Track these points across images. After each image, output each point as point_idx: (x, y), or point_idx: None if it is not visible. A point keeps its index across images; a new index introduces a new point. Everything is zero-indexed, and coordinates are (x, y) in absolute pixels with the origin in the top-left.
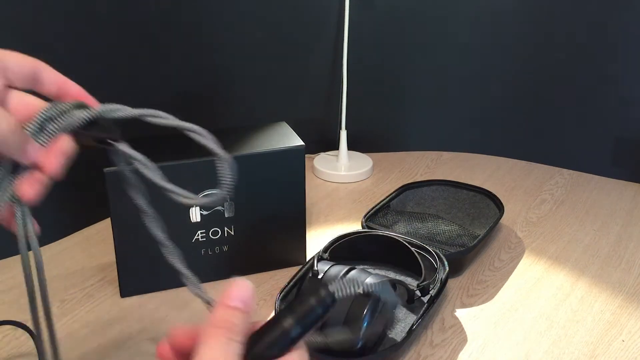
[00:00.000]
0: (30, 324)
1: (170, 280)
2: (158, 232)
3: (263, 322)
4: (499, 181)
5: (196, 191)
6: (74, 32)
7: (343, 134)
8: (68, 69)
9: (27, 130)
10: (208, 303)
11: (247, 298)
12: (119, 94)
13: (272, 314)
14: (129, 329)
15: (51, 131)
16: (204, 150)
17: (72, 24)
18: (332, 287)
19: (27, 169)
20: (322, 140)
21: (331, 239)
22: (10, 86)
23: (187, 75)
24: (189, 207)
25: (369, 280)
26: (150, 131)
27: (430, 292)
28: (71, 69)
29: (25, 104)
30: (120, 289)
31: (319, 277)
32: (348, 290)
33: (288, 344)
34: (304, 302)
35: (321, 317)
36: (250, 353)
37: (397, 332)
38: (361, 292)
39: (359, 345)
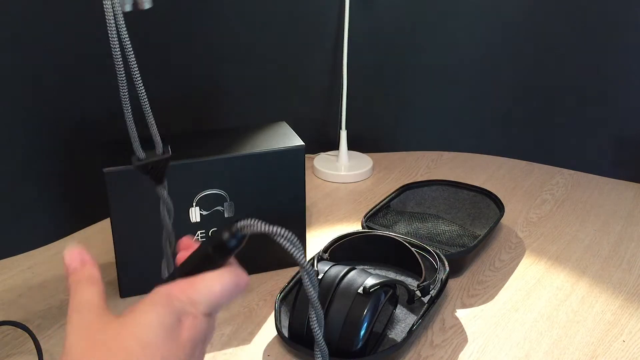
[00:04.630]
0: (29, 324)
1: (169, 281)
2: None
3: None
4: (499, 181)
5: (196, 191)
6: (74, 31)
7: (343, 134)
8: (69, 68)
9: None
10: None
11: (77, 257)
12: (118, 93)
13: (272, 314)
14: None
15: None
16: (203, 150)
17: (71, 23)
18: (240, 224)
19: None
20: (322, 140)
21: (331, 239)
22: None
23: (187, 75)
24: None
25: (369, 280)
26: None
27: (431, 293)
28: (71, 68)
29: None
30: (119, 289)
31: (319, 277)
32: (255, 229)
33: (204, 268)
34: (219, 237)
35: (236, 248)
36: (179, 273)
37: (398, 333)
38: (266, 231)
39: (360, 345)
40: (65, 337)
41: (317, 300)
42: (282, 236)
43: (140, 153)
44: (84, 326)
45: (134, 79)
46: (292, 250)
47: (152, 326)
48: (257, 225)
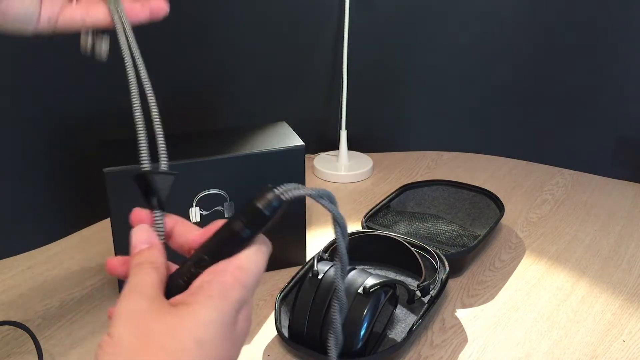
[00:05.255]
0: (29, 324)
1: None
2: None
3: (214, 227)
4: (499, 181)
5: (196, 191)
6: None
7: (343, 134)
8: (69, 68)
9: None
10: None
11: (146, 238)
12: (118, 93)
13: (273, 314)
14: None
15: None
16: (203, 150)
17: None
18: (277, 191)
19: None
20: (322, 140)
21: (331, 239)
22: None
23: (187, 75)
24: None
25: (369, 280)
26: (150, 131)
27: (431, 293)
28: (72, 68)
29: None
30: (119, 289)
31: (319, 277)
32: (293, 193)
33: (240, 245)
34: (253, 206)
35: (270, 218)
36: (207, 253)
37: (398, 333)
38: (305, 194)
39: (360, 345)
40: (113, 322)
41: (345, 253)
42: (324, 197)
43: (146, 163)
44: (134, 311)
45: (144, 87)
46: (333, 211)
47: (212, 323)
48: (298, 190)
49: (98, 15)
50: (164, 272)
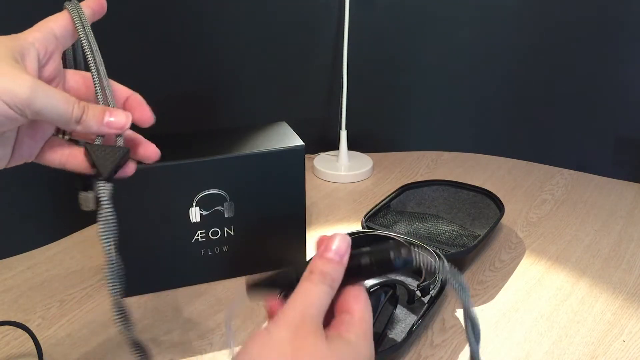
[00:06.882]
0: (29, 324)
1: (170, 280)
2: None
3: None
4: (499, 181)
5: (196, 191)
6: None
7: (343, 134)
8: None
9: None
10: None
11: (343, 252)
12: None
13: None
14: None
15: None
16: (203, 150)
17: None
18: (414, 253)
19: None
20: (322, 140)
21: None
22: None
23: (187, 75)
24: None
25: (369, 280)
26: (150, 131)
27: (431, 293)
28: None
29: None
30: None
31: None
32: (425, 262)
33: (356, 278)
34: (385, 251)
35: (394, 269)
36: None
37: (398, 333)
38: (431, 267)
39: None
40: (276, 321)
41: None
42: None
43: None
44: (296, 326)
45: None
46: (456, 286)
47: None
48: (424, 259)
49: (77, 164)
50: (333, 295)
